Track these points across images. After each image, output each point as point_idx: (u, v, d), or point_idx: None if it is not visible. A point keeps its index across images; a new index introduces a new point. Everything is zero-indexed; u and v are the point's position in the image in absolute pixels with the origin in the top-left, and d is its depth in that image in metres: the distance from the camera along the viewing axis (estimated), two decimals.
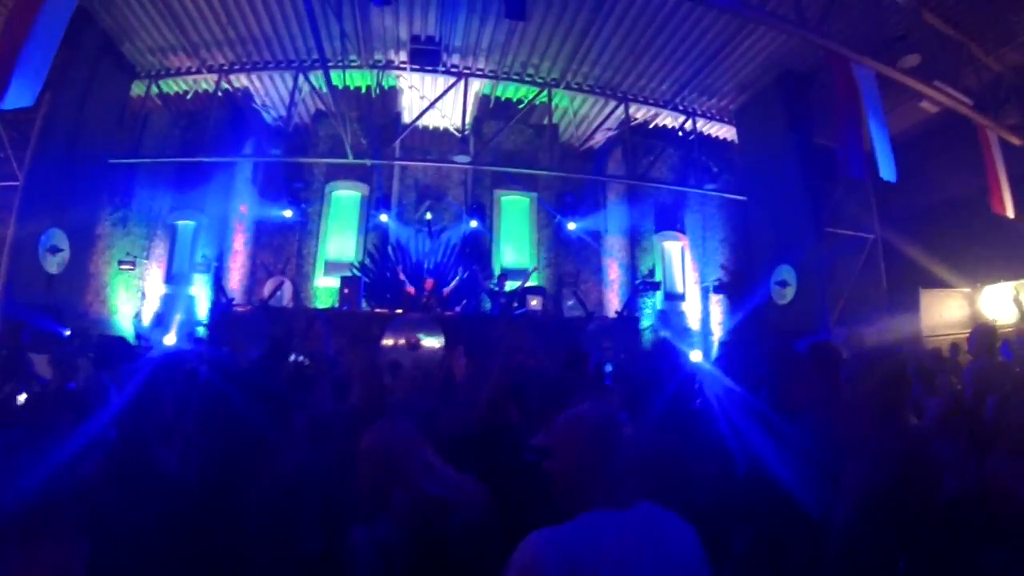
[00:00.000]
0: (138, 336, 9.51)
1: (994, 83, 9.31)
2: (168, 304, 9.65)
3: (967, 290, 9.23)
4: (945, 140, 9.35)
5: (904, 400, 1.73)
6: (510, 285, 8.32)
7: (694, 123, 10.28)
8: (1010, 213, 8.94)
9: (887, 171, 9.00)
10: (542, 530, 1.16)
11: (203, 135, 10.18)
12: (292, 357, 4.36)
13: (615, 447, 1.25)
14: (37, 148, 9.05)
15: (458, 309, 8.06)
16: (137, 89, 9.98)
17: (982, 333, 3.80)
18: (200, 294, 9.55)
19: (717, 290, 10.01)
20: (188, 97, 10.56)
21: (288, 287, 8.97)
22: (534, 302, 8.16)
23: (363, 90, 9.88)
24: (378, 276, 8.40)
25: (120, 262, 9.85)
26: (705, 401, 2.51)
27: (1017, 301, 8.21)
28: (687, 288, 10.44)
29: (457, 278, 8.06)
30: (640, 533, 1.14)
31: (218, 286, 9.10)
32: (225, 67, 9.85)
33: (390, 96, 9.93)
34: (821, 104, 9.00)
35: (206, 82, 10.25)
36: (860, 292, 8.97)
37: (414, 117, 9.61)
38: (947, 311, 8.82)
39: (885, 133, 9.14)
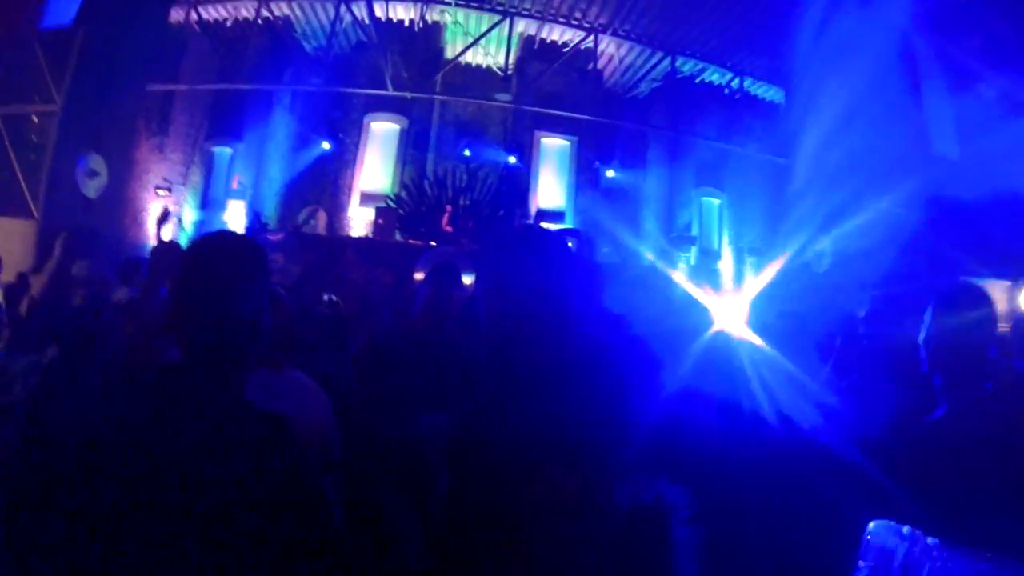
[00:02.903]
0: None
1: None
2: (202, 230, 9.72)
3: (1008, 283, 8.90)
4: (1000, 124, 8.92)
5: None
6: (546, 226, 8.24)
7: (741, 82, 10.03)
8: None
9: (944, 144, 8.66)
10: None
11: (242, 62, 10.10)
12: (325, 297, 4.30)
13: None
14: (75, 72, 9.07)
15: None
16: (175, 15, 9.90)
17: None
18: (234, 220, 9.60)
19: (752, 251, 9.85)
20: (227, 24, 10.47)
21: (322, 215, 8.99)
22: (569, 244, 8.06)
23: (406, 23, 9.72)
24: (413, 208, 8.37)
25: (157, 187, 9.90)
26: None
27: None
28: (722, 246, 10.31)
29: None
30: (284, 386, 1.50)
31: (252, 211, 9.14)
32: None
33: (433, 31, 9.76)
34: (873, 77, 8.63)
35: (246, 9, 10.14)
36: (897, 272, 8.64)
37: (456, 53, 9.45)
38: None
39: (947, 107, 8.79)
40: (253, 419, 0.91)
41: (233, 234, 1.11)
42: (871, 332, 2.18)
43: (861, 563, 1.57)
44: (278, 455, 0.89)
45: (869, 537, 1.58)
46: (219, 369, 0.92)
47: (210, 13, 10.26)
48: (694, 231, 9.90)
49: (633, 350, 1.70)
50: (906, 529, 1.55)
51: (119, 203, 9.41)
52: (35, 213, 9.07)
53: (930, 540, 1.49)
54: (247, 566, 0.82)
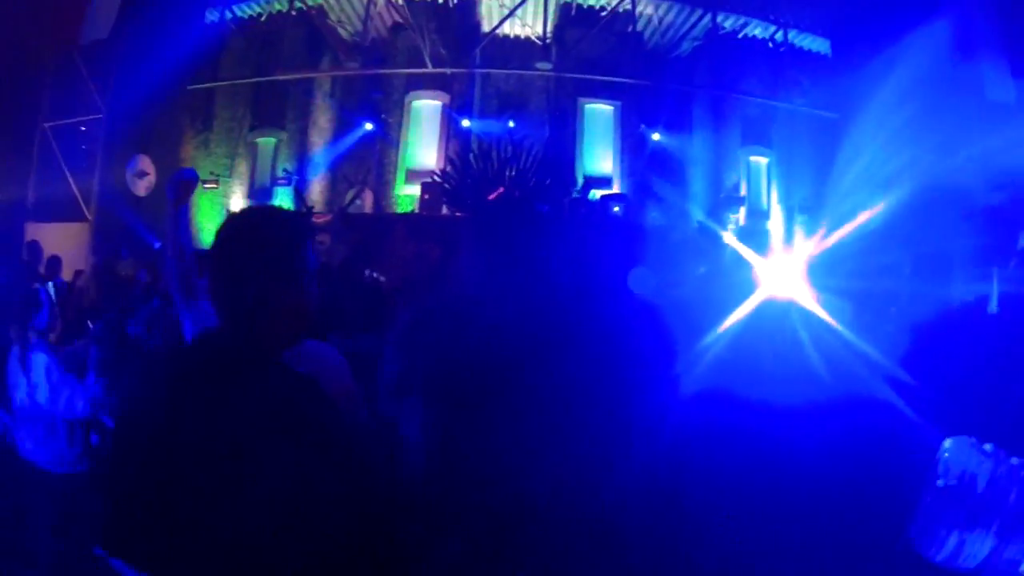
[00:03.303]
0: None
1: None
2: None
3: None
4: None
5: None
6: (593, 194, 8.18)
7: (785, 34, 9.71)
8: None
9: (1000, 90, 8.21)
10: None
11: (279, 54, 10.26)
12: (367, 272, 4.27)
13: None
14: (117, 80, 9.37)
15: None
16: (210, 16, 10.08)
17: None
18: (282, 207, 9.80)
19: (803, 210, 9.57)
20: (262, 19, 10.62)
21: (368, 195, 9.09)
22: (615, 209, 7.98)
23: (440, 0, 9.70)
24: (459, 182, 8.40)
25: (204, 181, 10.13)
26: None
27: None
28: (771, 206, 10.07)
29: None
30: (304, 351, 1.37)
31: (298, 197, 9.30)
32: None
33: (468, 5, 9.72)
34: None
35: (279, 3, 10.27)
36: (953, 234, 8.25)
37: (493, 26, 9.39)
38: None
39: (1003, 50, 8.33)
40: (292, 381, 0.93)
41: (271, 208, 1.10)
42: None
43: (940, 482, 1.45)
44: (321, 415, 0.91)
45: (946, 455, 1.47)
46: (256, 337, 0.93)
47: (244, 10, 10.43)
48: (742, 191, 9.69)
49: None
50: (988, 446, 1.44)
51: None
52: (88, 216, 9.42)
53: (1015, 460, 1.39)
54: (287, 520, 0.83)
